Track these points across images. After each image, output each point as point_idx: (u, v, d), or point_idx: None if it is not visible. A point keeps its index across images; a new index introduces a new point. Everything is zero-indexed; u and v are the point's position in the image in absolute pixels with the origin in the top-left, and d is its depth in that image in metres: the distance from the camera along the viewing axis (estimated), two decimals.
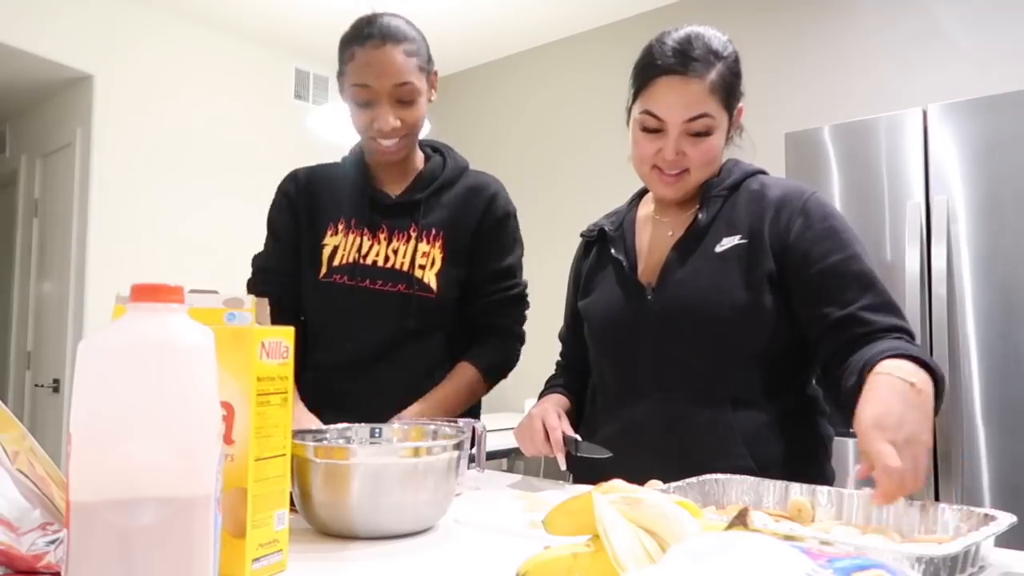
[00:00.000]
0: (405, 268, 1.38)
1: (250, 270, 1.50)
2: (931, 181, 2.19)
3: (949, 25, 2.84)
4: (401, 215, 1.41)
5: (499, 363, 1.46)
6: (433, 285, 1.38)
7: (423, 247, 1.39)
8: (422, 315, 1.38)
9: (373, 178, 1.44)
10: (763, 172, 1.27)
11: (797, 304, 1.15)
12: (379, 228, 1.40)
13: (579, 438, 1.19)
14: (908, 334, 1.08)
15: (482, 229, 1.43)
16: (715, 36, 1.18)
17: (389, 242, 1.40)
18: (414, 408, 1.33)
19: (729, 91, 1.17)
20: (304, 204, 1.45)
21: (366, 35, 1.30)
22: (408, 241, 1.39)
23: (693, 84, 1.13)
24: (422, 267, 1.38)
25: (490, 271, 1.44)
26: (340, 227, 1.41)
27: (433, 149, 1.51)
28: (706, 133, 1.16)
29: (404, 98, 1.32)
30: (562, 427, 1.20)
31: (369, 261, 1.38)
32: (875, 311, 1.08)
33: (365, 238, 1.39)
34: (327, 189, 1.45)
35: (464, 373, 1.41)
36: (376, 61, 1.29)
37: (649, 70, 1.17)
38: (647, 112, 1.16)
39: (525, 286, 1.51)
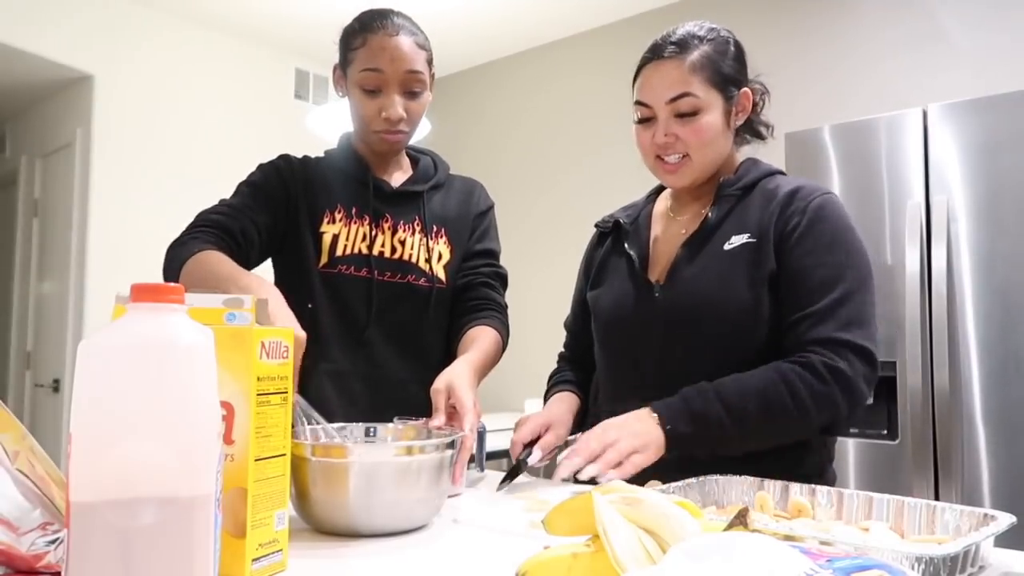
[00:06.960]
0: (414, 260, 1.39)
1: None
2: (931, 181, 2.19)
3: (949, 26, 2.84)
4: (404, 205, 1.41)
5: (507, 335, 1.43)
6: (443, 277, 1.41)
7: (430, 243, 1.40)
8: (438, 307, 1.40)
9: (368, 168, 1.43)
10: (781, 172, 1.26)
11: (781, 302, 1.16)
12: (382, 217, 1.39)
13: (531, 462, 1.18)
14: (843, 345, 1.07)
15: (475, 217, 1.49)
16: (702, 25, 1.21)
17: (394, 232, 1.39)
18: (463, 371, 1.20)
19: (716, 70, 1.18)
20: (300, 186, 1.39)
21: (380, 24, 1.32)
22: (414, 234, 1.40)
23: (670, 64, 1.17)
24: (427, 260, 1.40)
25: (480, 250, 1.47)
26: (338, 215, 1.38)
27: (418, 151, 1.52)
28: (693, 112, 1.17)
29: (412, 88, 1.33)
30: (543, 441, 1.20)
31: (376, 252, 1.37)
32: (817, 321, 1.09)
33: (368, 227, 1.38)
34: (319, 177, 1.41)
35: (489, 336, 1.35)
36: (390, 47, 1.30)
37: (638, 66, 1.22)
38: (637, 102, 1.21)
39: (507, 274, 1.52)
